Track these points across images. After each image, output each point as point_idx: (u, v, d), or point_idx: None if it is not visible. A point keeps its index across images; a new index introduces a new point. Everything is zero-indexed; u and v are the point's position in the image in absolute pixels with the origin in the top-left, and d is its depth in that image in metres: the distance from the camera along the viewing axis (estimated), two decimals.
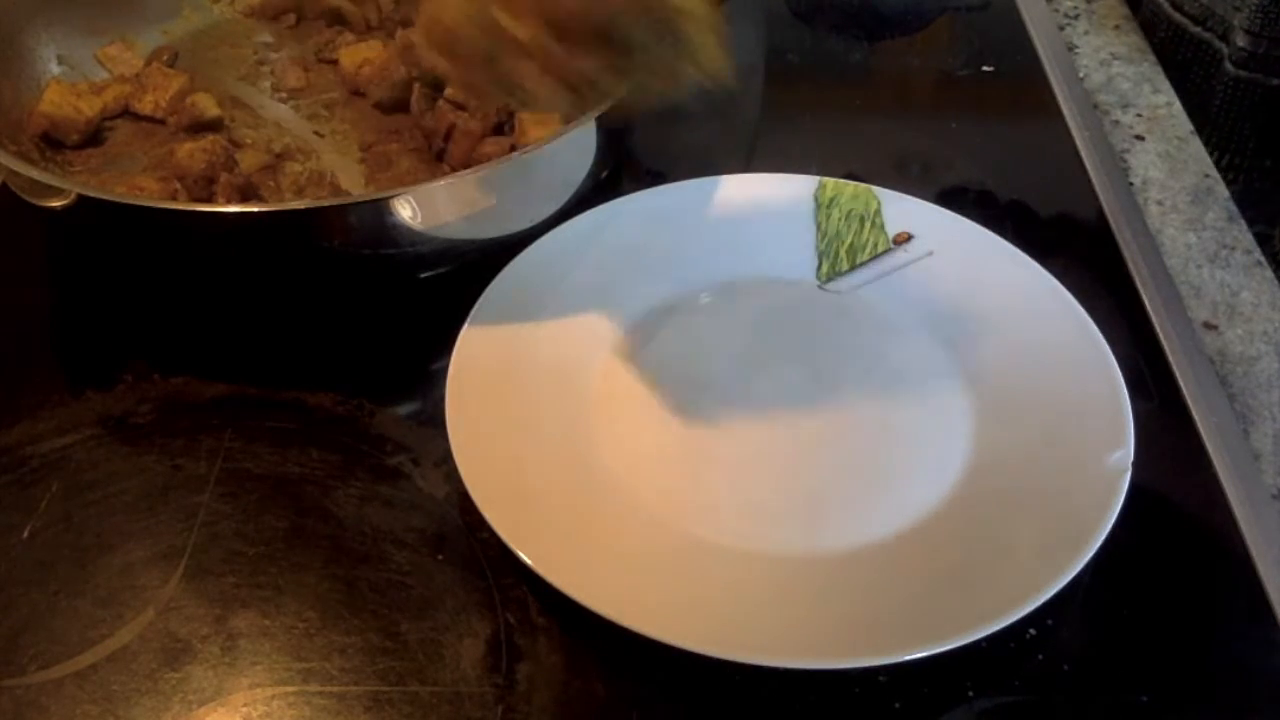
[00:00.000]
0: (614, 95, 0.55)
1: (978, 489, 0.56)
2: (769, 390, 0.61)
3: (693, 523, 0.55)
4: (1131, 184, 0.78)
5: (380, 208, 0.60)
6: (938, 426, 0.59)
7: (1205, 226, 0.74)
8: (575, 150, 0.66)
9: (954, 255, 0.67)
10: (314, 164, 0.75)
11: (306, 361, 0.65)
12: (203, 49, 0.86)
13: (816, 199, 0.70)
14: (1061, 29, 0.94)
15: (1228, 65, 0.85)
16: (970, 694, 0.50)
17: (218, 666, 0.51)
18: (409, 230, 0.61)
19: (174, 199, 0.68)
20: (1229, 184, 0.78)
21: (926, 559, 0.53)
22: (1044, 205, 0.76)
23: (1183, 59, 0.89)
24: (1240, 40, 0.83)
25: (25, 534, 0.56)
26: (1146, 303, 0.68)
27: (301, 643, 0.52)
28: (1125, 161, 0.80)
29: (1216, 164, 0.82)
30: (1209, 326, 0.67)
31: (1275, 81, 0.84)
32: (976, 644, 0.49)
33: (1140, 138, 0.82)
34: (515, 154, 0.62)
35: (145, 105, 0.78)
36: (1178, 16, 0.89)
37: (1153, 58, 0.91)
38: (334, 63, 0.83)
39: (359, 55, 0.80)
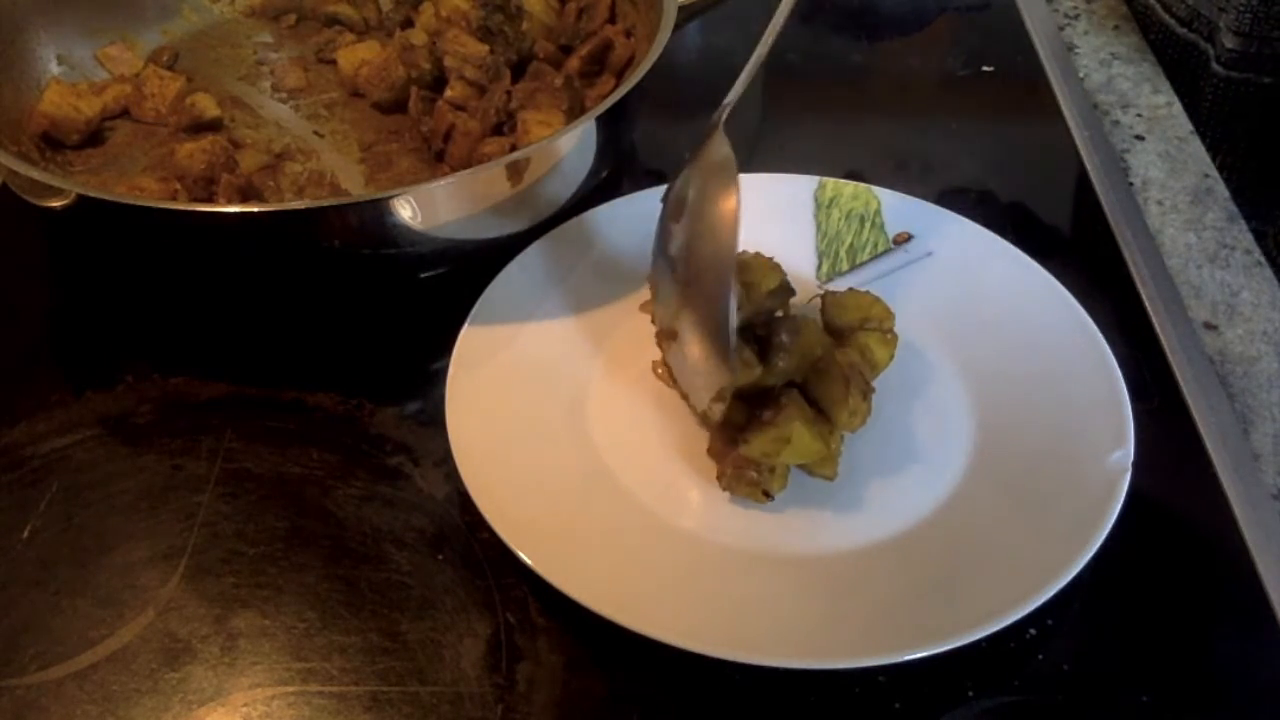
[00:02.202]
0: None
1: (978, 489, 0.56)
2: None
3: (693, 523, 0.55)
4: (1131, 184, 0.78)
5: (380, 208, 0.60)
6: (938, 426, 0.59)
7: (1205, 226, 0.74)
8: (575, 150, 0.66)
9: (954, 255, 0.67)
10: (314, 164, 0.75)
11: (306, 361, 0.65)
12: (203, 49, 0.86)
13: (816, 199, 0.70)
14: (1061, 29, 0.94)
15: (1215, 66, 0.85)
16: (970, 694, 0.50)
17: (218, 666, 0.51)
18: (409, 230, 0.61)
19: (174, 199, 0.68)
20: (1227, 181, 0.78)
21: (927, 559, 0.53)
22: (1044, 205, 0.76)
23: (1172, 60, 0.90)
24: (1229, 41, 0.83)
25: (25, 534, 0.56)
26: (1146, 303, 0.68)
27: (301, 643, 0.52)
28: (1125, 161, 0.80)
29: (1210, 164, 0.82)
30: (1209, 326, 0.67)
31: (1267, 80, 0.84)
32: (976, 644, 0.49)
33: (1140, 138, 0.82)
34: (515, 154, 0.62)
35: (146, 113, 0.78)
36: (1166, 18, 0.90)
37: (1152, 58, 0.91)
38: (334, 63, 0.83)
39: (357, 56, 0.80)
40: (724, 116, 0.56)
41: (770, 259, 0.60)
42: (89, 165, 0.75)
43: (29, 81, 0.78)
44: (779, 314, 0.58)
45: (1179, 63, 0.89)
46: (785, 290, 0.60)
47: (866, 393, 0.56)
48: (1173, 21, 0.88)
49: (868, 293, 0.60)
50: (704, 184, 0.56)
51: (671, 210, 0.59)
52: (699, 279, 0.55)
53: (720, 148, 0.56)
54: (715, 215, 0.54)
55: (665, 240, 0.60)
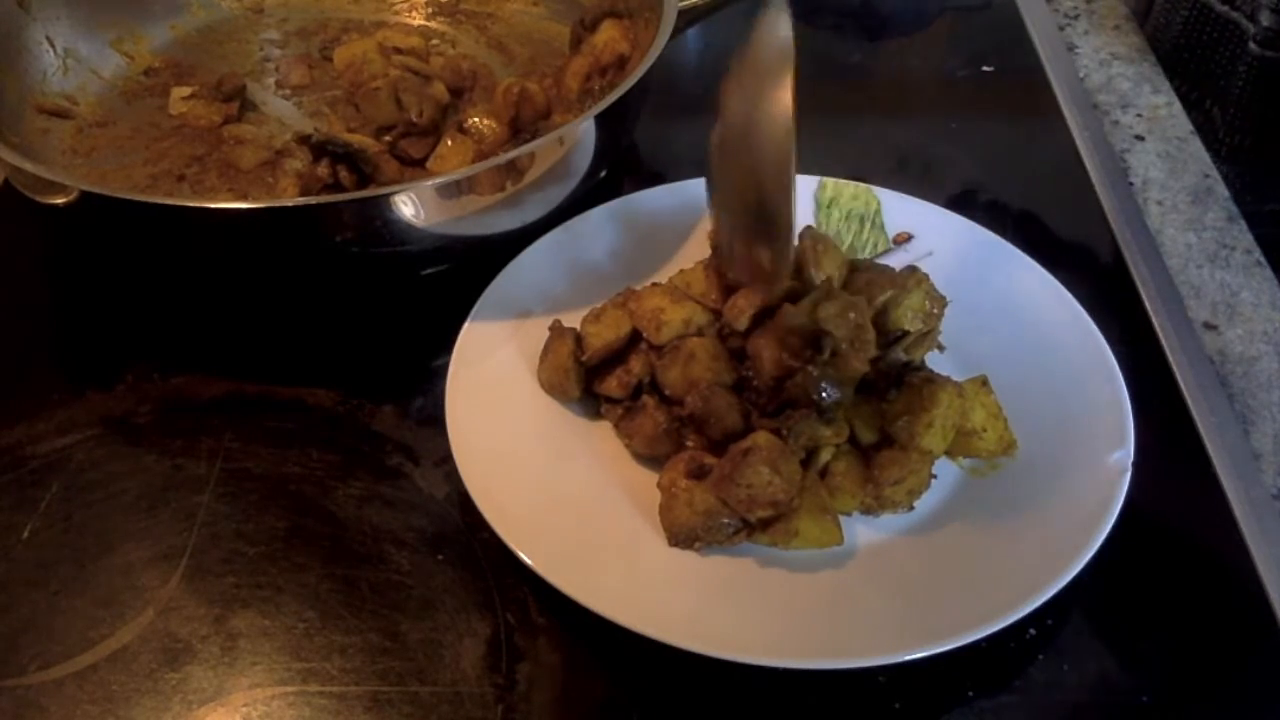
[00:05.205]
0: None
1: (978, 489, 0.56)
2: None
3: None
4: (1131, 184, 0.78)
5: (381, 204, 0.60)
6: None
7: (1205, 226, 0.74)
8: (575, 148, 0.66)
9: (954, 255, 0.67)
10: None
11: (306, 360, 0.65)
12: (209, 44, 0.86)
13: (816, 199, 0.70)
14: (1061, 29, 0.94)
15: (1252, 45, 0.84)
16: (970, 694, 0.50)
17: (218, 666, 0.51)
18: (410, 227, 0.61)
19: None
20: (1250, 165, 0.77)
21: (927, 559, 0.53)
22: (1044, 205, 0.76)
23: (1207, 39, 0.88)
24: (1266, 19, 0.82)
25: (25, 534, 0.56)
26: (1146, 303, 0.68)
27: (301, 643, 0.52)
28: (1125, 161, 0.80)
29: (1239, 146, 0.80)
30: (1209, 326, 0.67)
31: None
32: (976, 644, 0.49)
33: (1140, 138, 0.82)
34: (515, 151, 0.62)
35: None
36: None
37: (1153, 57, 0.91)
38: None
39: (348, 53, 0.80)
40: None
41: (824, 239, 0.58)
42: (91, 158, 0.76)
43: (34, 75, 0.78)
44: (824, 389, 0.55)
45: (1215, 42, 0.87)
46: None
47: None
48: None
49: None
50: (752, 80, 0.56)
51: (717, 118, 0.57)
52: (756, 178, 0.54)
53: (774, 30, 0.55)
54: (766, 112, 0.54)
55: (713, 162, 0.58)
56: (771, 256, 0.54)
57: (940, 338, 0.59)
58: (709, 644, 0.48)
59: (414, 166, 0.73)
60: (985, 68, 0.90)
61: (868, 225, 0.69)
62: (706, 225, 0.65)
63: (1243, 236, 0.73)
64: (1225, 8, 0.86)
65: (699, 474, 0.54)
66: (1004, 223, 0.70)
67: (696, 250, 0.67)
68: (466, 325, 0.61)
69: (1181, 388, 0.63)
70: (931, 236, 0.68)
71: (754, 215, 0.55)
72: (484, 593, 0.53)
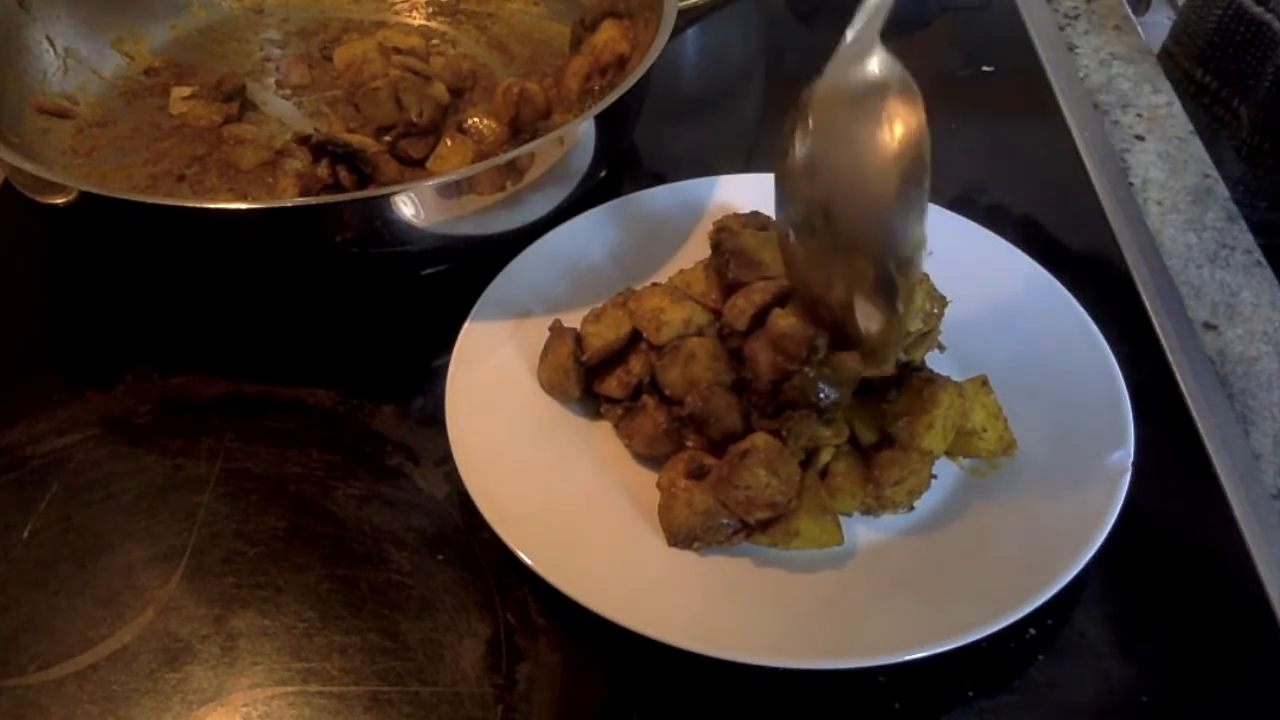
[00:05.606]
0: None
1: (978, 489, 0.56)
2: None
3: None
4: (1131, 184, 0.78)
5: (381, 204, 0.60)
6: None
7: (1205, 226, 0.74)
8: (575, 148, 0.66)
9: (954, 255, 0.66)
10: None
11: (306, 360, 0.65)
12: (209, 44, 0.86)
13: None
14: (1061, 29, 0.94)
15: None
16: (970, 694, 0.50)
17: (218, 666, 0.51)
18: (410, 227, 0.61)
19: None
20: (1268, 170, 0.76)
21: (927, 559, 0.53)
22: (1044, 205, 0.76)
23: (1240, 38, 0.88)
24: None
25: (25, 534, 0.56)
26: (1146, 303, 0.68)
27: (301, 643, 0.52)
28: (1125, 161, 0.80)
29: (1259, 148, 0.79)
30: (1209, 326, 0.67)
31: None
32: (976, 644, 0.49)
33: (1140, 138, 0.82)
34: (515, 151, 0.62)
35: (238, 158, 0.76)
36: None
37: (1152, 58, 0.91)
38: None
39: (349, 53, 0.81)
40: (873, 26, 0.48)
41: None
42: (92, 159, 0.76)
43: (35, 74, 0.78)
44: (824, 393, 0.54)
45: (1248, 42, 0.87)
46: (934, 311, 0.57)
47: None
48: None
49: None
50: (842, 121, 0.51)
51: (794, 167, 0.53)
52: (852, 231, 0.50)
53: (857, 64, 0.47)
54: (867, 156, 0.49)
55: (790, 205, 0.55)
56: (876, 330, 0.50)
57: (940, 338, 0.59)
58: (709, 644, 0.48)
59: (414, 166, 0.73)
60: (985, 68, 0.90)
61: None
62: (707, 225, 0.65)
63: (1243, 236, 0.73)
64: (1259, 9, 0.85)
65: (698, 474, 0.54)
66: (1004, 223, 0.70)
67: (696, 250, 0.67)
68: (466, 325, 0.61)
69: (1181, 388, 0.63)
70: (931, 236, 0.68)
71: (858, 278, 0.50)
72: (484, 593, 0.53)
